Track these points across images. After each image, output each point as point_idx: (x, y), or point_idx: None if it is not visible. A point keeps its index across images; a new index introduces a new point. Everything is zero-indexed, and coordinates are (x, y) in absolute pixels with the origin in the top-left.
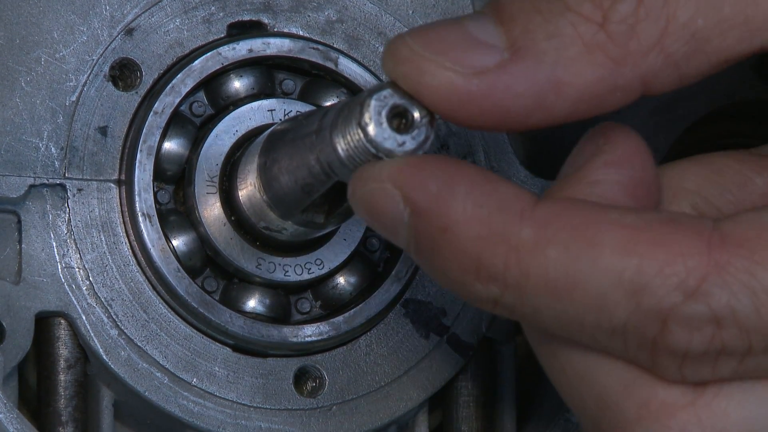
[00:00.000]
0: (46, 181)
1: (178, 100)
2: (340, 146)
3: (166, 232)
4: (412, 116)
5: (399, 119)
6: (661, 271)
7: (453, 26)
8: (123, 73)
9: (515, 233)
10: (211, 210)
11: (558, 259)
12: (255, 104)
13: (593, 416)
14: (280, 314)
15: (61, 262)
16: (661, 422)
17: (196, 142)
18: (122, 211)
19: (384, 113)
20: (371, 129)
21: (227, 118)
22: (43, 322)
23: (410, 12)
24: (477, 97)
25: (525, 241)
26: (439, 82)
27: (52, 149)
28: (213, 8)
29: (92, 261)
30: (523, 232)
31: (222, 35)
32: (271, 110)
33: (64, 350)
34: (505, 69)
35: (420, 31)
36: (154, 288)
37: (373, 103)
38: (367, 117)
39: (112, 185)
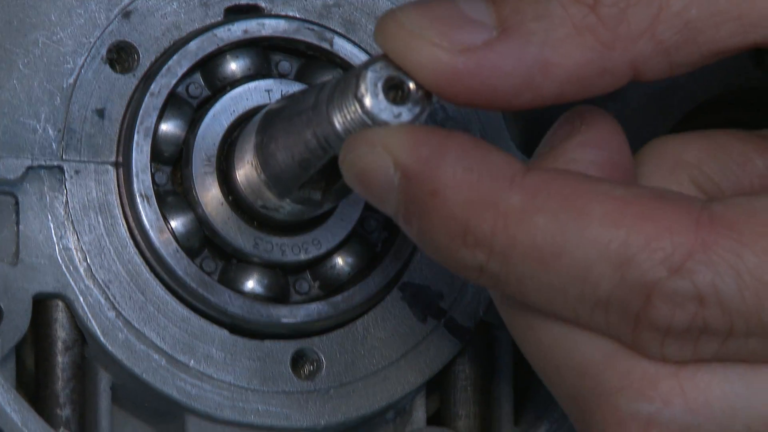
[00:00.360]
0: (44, 163)
1: (174, 82)
2: (337, 119)
3: (164, 213)
4: (408, 88)
5: (395, 91)
6: (648, 244)
7: (444, 2)
8: (120, 55)
9: (504, 199)
10: (209, 190)
11: (546, 227)
12: (252, 84)
13: (571, 387)
14: (278, 294)
15: (58, 244)
16: (643, 392)
17: (193, 123)
18: (120, 193)
19: (380, 85)
20: (367, 101)
21: (224, 98)
22: (41, 304)
23: None
24: (463, 75)
25: (514, 208)
26: (425, 58)
27: (50, 131)
28: None
29: (90, 243)
30: (512, 198)
31: (219, 19)
32: (269, 90)
33: (61, 332)
34: (492, 47)
35: (411, 6)
36: (152, 269)
37: (368, 74)
38: (363, 89)
39: (110, 167)
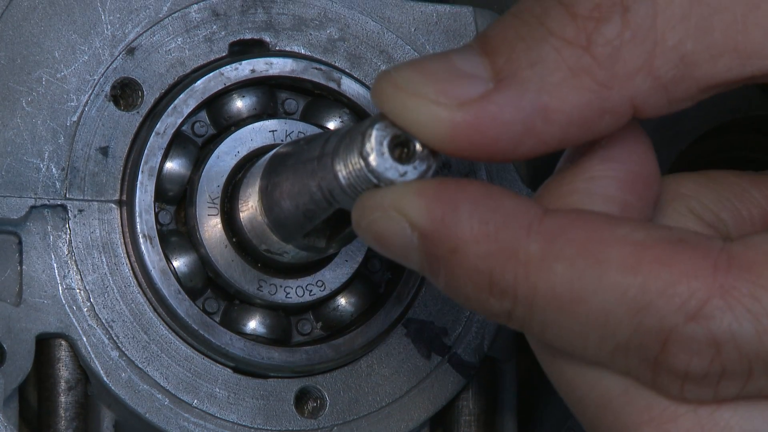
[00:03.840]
0: (47, 202)
1: (180, 121)
2: (342, 174)
3: (167, 253)
4: (414, 146)
5: (401, 149)
6: (665, 291)
7: (438, 59)
8: (124, 92)
9: (523, 248)
10: (213, 231)
11: (564, 274)
12: (257, 125)
13: (593, 420)
14: (280, 336)
15: (62, 284)
16: (662, 427)
17: (198, 162)
18: (123, 232)
19: (386, 143)
20: (373, 159)
21: (229, 138)
22: (44, 344)
23: (412, 30)
24: (463, 129)
25: (533, 256)
26: (424, 116)
27: (53, 170)
28: (214, 27)
29: (93, 282)
30: (531, 246)
31: (224, 54)
32: (273, 131)
33: (64, 371)
34: (490, 99)
35: (405, 65)
36: (154, 309)
37: (374, 132)
38: (368, 147)
39: (113, 206)
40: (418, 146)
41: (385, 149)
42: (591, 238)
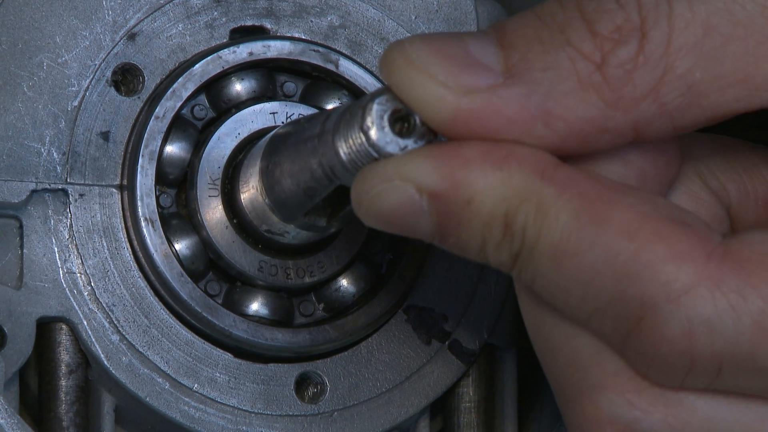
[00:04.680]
0: (48, 186)
1: (179, 105)
2: (342, 150)
3: (169, 236)
4: (414, 120)
5: (401, 123)
6: (654, 265)
7: (453, 40)
8: (125, 78)
9: (537, 191)
10: (213, 213)
11: (566, 224)
12: (257, 107)
13: (561, 375)
14: (283, 317)
15: (62, 268)
16: (625, 396)
17: (198, 145)
18: (124, 216)
19: (386, 117)
20: (373, 133)
21: (229, 121)
22: (45, 328)
23: (413, 17)
24: (465, 116)
25: (544, 199)
26: (429, 96)
27: (54, 154)
28: (215, 13)
29: (94, 266)
30: (543, 190)
31: (224, 40)
32: (273, 113)
33: (65, 355)
34: (497, 92)
35: (420, 40)
36: (156, 293)
37: (374, 107)
38: (369, 121)
39: (114, 190)
40: (418, 121)
41: (386, 123)
42: (599, 197)
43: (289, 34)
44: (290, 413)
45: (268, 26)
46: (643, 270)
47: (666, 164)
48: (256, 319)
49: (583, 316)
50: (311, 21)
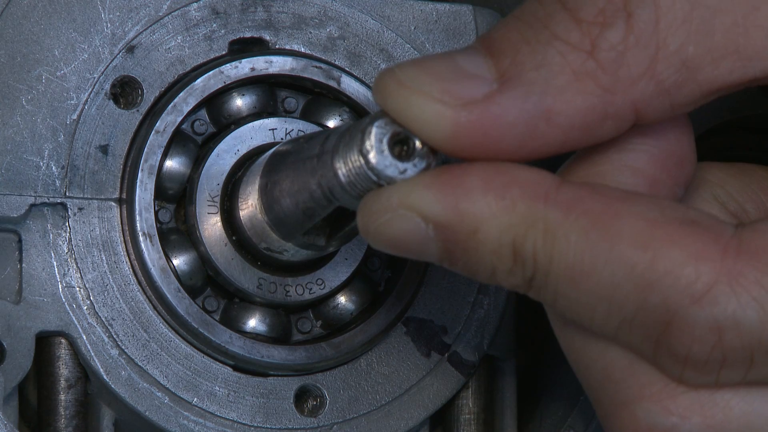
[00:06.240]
0: (47, 200)
1: (179, 119)
2: (341, 172)
3: (167, 252)
4: (414, 143)
5: (400, 146)
6: (672, 271)
7: (441, 59)
8: (124, 90)
9: (542, 216)
10: (212, 229)
11: (578, 244)
12: (257, 123)
13: (597, 389)
14: (280, 334)
15: (61, 282)
16: (661, 404)
17: (198, 160)
18: (123, 230)
19: (385, 140)
20: (372, 156)
21: (229, 137)
22: (44, 342)
23: (412, 28)
24: (467, 129)
25: (551, 223)
26: (428, 114)
27: (53, 168)
28: (214, 25)
29: (93, 280)
30: (549, 214)
31: (223, 52)
32: (273, 129)
33: (64, 370)
34: (494, 99)
35: (409, 63)
36: (154, 307)
37: (374, 130)
38: (368, 144)
39: (113, 204)
40: (417, 143)
41: (385, 147)
42: (606, 211)
43: (288, 47)
44: (290, 426)
45: (267, 38)
46: (662, 277)
47: (677, 166)
48: (253, 335)
49: (610, 331)
50: (310, 32)
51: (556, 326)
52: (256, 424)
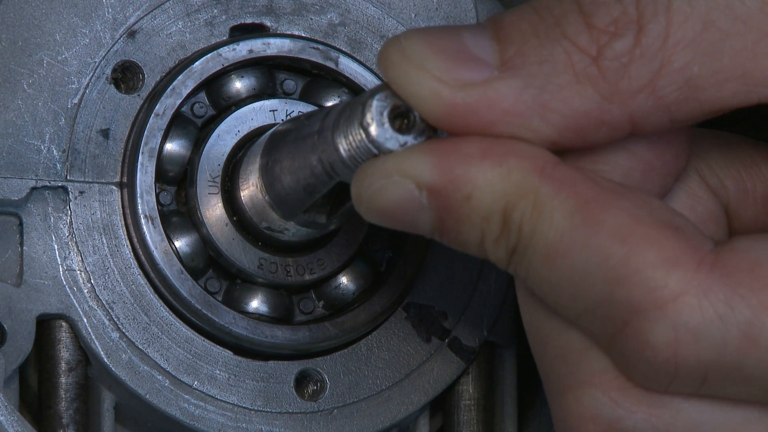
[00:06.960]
0: (48, 184)
1: (179, 102)
2: (342, 147)
3: (169, 234)
4: (414, 117)
5: (401, 119)
6: (643, 270)
7: (449, 34)
8: (125, 75)
9: (535, 188)
10: (213, 210)
11: (560, 224)
12: (257, 104)
13: (549, 368)
14: (282, 314)
15: (62, 265)
16: (610, 394)
17: (198, 142)
18: (124, 214)
19: (386, 113)
20: (373, 129)
21: (229, 118)
22: (44, 325)
23: (413, 15)
24: (462, 110)
25: (541, 197)
26: (425, 91)
27: (54, 152)
28: (215, 11)
29: (94, 263)
30: (542, 188)
31: (224, 38)
32: (273, 110)
33: (65, 353)
34: (492, 85)
35: (416, 34)
36: (155, 290)
37: (374, 103)
38: (368, 117)
39: (114, 187)
40: (417, 117)
41: (386, 119)
42: (596, 198)
43: (288, 32)
44: (290, 410)
45: (268, 24)
46: (632, 274)
47: (673, 157)
48: (256, 316)
49: (572, 315)
50: (311, 19)
51: (521, 296)
52: (256, 408)
